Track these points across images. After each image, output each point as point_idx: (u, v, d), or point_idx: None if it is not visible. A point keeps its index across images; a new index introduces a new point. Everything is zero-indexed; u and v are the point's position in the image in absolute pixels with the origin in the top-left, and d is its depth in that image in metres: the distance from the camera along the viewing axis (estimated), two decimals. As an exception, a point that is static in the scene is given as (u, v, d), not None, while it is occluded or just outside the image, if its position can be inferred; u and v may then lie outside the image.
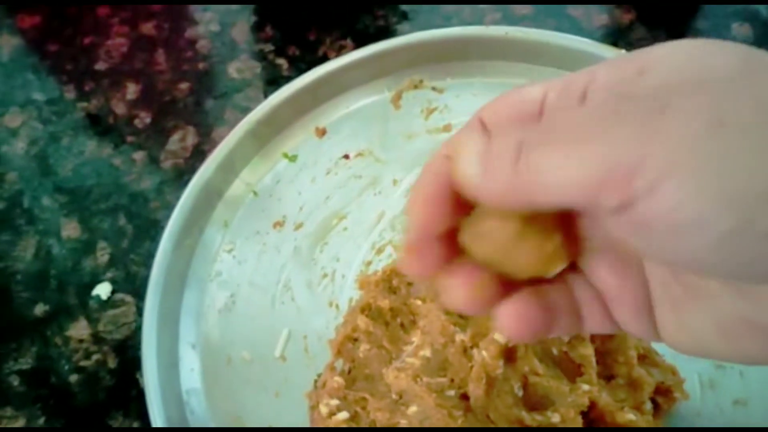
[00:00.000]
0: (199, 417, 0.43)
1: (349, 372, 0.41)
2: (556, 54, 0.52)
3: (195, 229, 0.49)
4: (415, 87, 0.55)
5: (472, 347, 0.38)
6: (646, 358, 0.40)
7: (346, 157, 0.53)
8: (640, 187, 0.18)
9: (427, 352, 0.39)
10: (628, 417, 0.36)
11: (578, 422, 0.35)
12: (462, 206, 0.23)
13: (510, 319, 0.23)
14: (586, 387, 0.36)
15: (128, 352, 0.47)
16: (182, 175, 0.54)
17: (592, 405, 0.36)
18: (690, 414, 0.41)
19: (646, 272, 0.23)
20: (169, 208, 0.49)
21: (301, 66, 0.59)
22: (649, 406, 0.38)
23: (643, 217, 0.18)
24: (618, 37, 0.58)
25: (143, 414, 0.43)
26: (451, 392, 0.37)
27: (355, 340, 0.42)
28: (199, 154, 0.55)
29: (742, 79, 0.18)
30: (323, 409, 0.40)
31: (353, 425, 0.39)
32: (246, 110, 0.53)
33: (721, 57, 0.19)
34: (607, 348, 0.39)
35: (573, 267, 0.24)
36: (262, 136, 0.53)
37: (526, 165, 0.19)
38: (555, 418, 0.36)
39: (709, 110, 0.17)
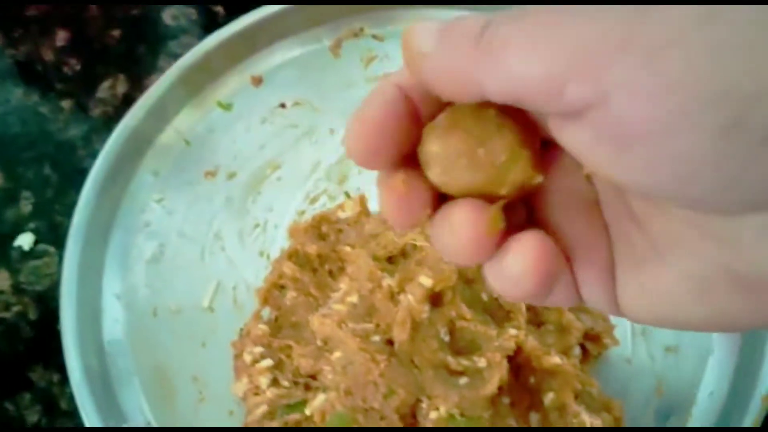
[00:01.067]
0: (121, 368, 0.42)
1: (276, 320, 0.40)
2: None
3: (121, 177, 0.47)
4: (355, 35, 0.53)
5: (399, 293, 0.37)
6: (577, 304, 0.39)
7: (283, 106, 0.51)
8: (618, 74, 0.15)
9: (353, 299, 0.38)
10: (554, 360, 0.35)
11: (504, 366, 0.35)
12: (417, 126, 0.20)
13: (528, 256, 0.19)
14: (513, 331, 0.36)
15: (50, 303, 0.45)
16: (112, 124, 0.52)
17: (519, 349, 0.36)
18: (620, 361, 0.41)
19: (609, 229, 0.21)
20: (97, 157, 0.47)
21: (239, 14, 0.57)
22: (577, 351, 0.38)
23: (617, 114, 0.16)
24: None
25: (64, 366, 0.41)
26: (377, 338, 0.36)
27: (282, 287, 0.41)
28: (129, 103, 0.53)
29: None
30: (247, 357, 0.39)
31: (277, 372, 0.38)
32: (180, 58, 0.51)
33: None
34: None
35: (539, 222, 0.21)
36: (195, 83, 0.51)
37: (489, 40, 0.17)
38: (481, 363, 0.36)
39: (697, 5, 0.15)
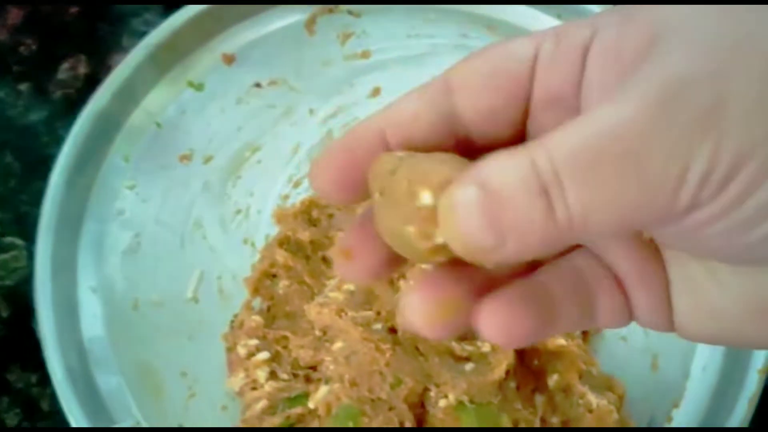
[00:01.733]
0: (104, 366, 0.40)
1: (268, 310, 0.39)
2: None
3: (90, 163, 0.45)
4: (330, 11, 0.51)
5: (398, 278, 0.36)
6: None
7: (258, 85, 0.49)
8: (709, 188, 0.16)
9: (351, 286, 0.36)
10: (559, 342, 0.35)
11: (510, 350, 0.34)
12: None
13: (494, 326, 0.18)
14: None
15: (21, 299, 0.43)
16: (75, 107, 0.49)
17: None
18: (615, 339, 0.41)
19: (661, 251, 0.20)
20: (62, 143, 0.44)
21: (205, -11, 0.54)
22: (577, 331, 0.37)
23: (703, 218, 0.16)
24: None
25: (42, 365, 0.39)
26: (378, 326, 0.35)
27: (274, 276, 0.39)
28: (93, 84, 0.50)
29: None
30: (241, 350, 0.37)
31: (275, 365, 0.36)
32: (145, 36, 0.48)
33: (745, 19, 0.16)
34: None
35: (579, 244, 0.21)
36: (164, 62, 0.48)
37: (569, 218, 0.16)
38: (486, 348, 0.35)
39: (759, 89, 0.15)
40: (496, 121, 0.20)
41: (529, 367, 0.36)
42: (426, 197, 0.17)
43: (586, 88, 0.19)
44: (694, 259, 0.19)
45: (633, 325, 0.41)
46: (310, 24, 0.51)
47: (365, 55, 0.50)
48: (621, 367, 0.40)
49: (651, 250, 0.20)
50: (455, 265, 0.18)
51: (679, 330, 0.20)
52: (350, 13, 0.51)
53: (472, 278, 0.19)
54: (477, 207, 0.16)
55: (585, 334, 0.39)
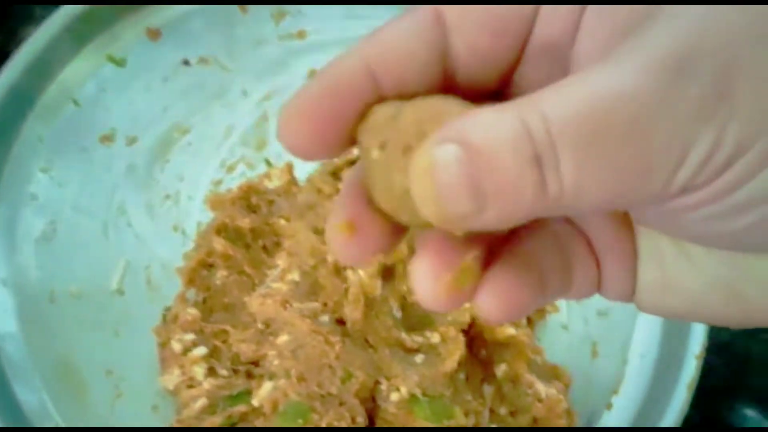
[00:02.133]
0: (18, 364, 0.36)
1: (204, 302, 0.36)
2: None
3: (0, 144, 0.41)
4: (263, -12, 0.49)
5: (345, 268, 0.34)
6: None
7: (187, 63, 0.46)
8: (707, 172, 0.15)
9: (295, 276, 0.35)
10: (508, 332, 0.34)
11: (460, 340, 0.34)
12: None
13: (495, 303, 0.17)
14: (466, 304, 0.34)
15: None
16: (-20, 81, 0.44)
17: (472, 322, 0.35)
18: (557, 326, 0.41)
19: (636, 227, 0.20)
20: (-35, 119, 0.40)
21: (125, -43, 0.50)
22: (523, 320, 0.37)
23: (691, 202, 0.15)
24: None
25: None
26: (325, 317, 0.33)
27: (210, 266, 0.37)
28: (2, 58, 0.45)
29: None
30: (176, 346, 0.35)
31: (213, 361, 0.34)
32: (61, 6, 0.44)
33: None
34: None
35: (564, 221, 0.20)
36: (82, 34, 0.44)
37: (558, 184, 0.14)
38: (435, 338, 0.34)
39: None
40: (489, 64, 0.18)
41: (477, 357, 0.36)
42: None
43: (580, 41, 0.18)
44: (665, 236, 0.19)
45: (574, 312, 0.42)
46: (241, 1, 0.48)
47: (301, 35, 0.48)
48: (562, 356, 0.40)
49: (624, 218, 0.19)
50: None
51: (639, 302, 0.20)
52: (285, -9, 0.49)
53: (474, 240, 0.17)
54: (457, 166, 0.14)
55: (529, 323, 0.38)
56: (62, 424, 0.35)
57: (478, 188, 0.14)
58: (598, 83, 0.15)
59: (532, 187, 0.14)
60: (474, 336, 0.35)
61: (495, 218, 0.15)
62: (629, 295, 0.20)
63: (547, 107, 0.14)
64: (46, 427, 0.35)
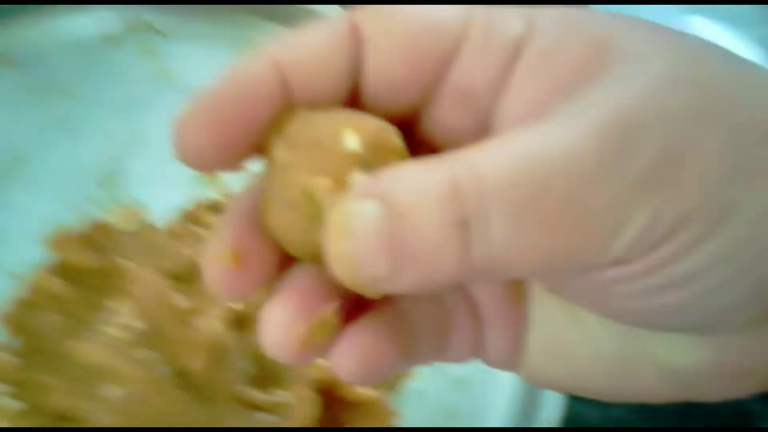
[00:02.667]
0: None
1: (24, 349, 0.32)
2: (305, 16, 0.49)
3: None
4: (135, 28, 0.47)
5: (191, 312, 0.32)
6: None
7: (32, 89, 0.43)
8: (643, 245, 0.14)
9: (135, 322, 0.31)
10: (366, 392, 0.33)
11: (316, 401, 0.31)
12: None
13: (353, 362, 0.16)
14: (322, 361, 0.33)
15: None
16: None
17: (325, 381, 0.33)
18: (414, 393, 0.39)
19: (526, 293, 0.19)
20: None
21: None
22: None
23: (621, 274, 0.15)
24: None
25: None
26: (164, 368, 0.30)
27: (35, 307, 0.33)
28: None
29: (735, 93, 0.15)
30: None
31: (33, 419, 0.30)
32: None
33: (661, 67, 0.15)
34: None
35: None
36: None
37: (485, 249, 0.13)
38: (285, 397, 0.32)
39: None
40: (397, 93, 0.17)
41: (330, 417, 0.33)
42: (353, 141, 0.14)
43: (509, 96, 0.16)
44: (559, 304, 0.18)
45: (430, 377, 0.40)
46: (114, 40, 0.46)
47: (168, 74, 0.46)
48: (419, 423, 0.38)
49: (515, 282, 0.18)
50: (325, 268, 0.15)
51: (526, 372, 0.19)
52: (157, 32, 0.47)
53: (340, 288, 0.16)
54: (376, 225, 0.13)
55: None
56: None
57: (397, 250, 0.13)
58: (537, 143, 0.14)
59: (456, 252, 0.13)
60: (329, 393, 0.33)
61: (413, 283, 0.14)
62: (512, 362, 0.19)
63: (481, 166, 0.14)
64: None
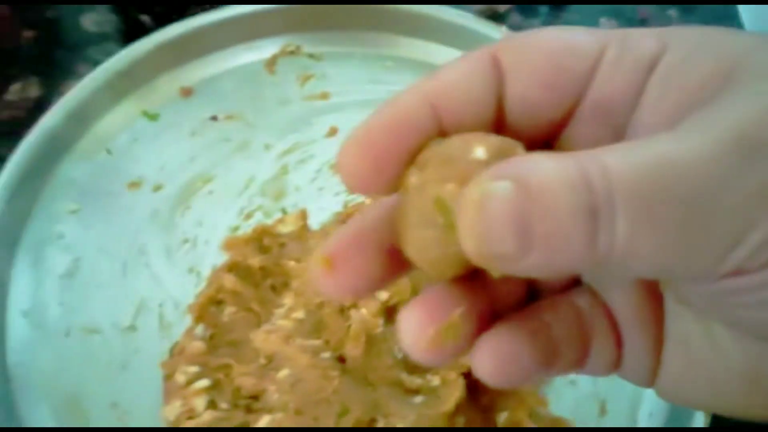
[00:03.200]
0: (29, 394, 0.37)
1: (212, 338, 0.37)
2: (439, 28, 0.51)
3: (33, 185, 0.43)
4: (291, 53, 0.52)
5: (349, 308, 0.35)
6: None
7: (214, 118, 0.49)
8: (761, 257, 0.14)
9: (300, 314, 0.35)
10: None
11: (460, 384, 0.33)
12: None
13: (492, 365, 0.17)
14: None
15: (-58, 321, 0.40)
16: (21, 129, 0.47)
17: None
18: (563, 381, 0.40)
19: (665, 306, 0.18)
20: (6, 160, 0.43)
21: (166, 25, 0.54)
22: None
23: (741, 285, 0.15)
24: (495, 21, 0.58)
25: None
26: (327, 354, 0.34)
27: (219, 302, 0.38)
28: (42, 108, 0.48)
29: None
30: (180, 378, 0.35)
31: (214, 393, 0.34)
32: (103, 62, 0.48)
33: None
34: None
35: (579, 280, 0.19)
36: (119, 90, 0.47)
37: (610, 246, 0.14)
38: (435, 381, 0.34)
39: None
40: (538, 115, 0.18)
41: (478, 403, 0.35)
42: (480, 151, 0.15)
43: (643, 109, 0.17)
44: (694, 318, 0.18)
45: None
46: (270, 64, 0.52)
47: (324, 96, 0.51)
48: (569, 411, 0.39)
49: (653, 296, 0.18)
50: (461, 283, 0.17)
51: (661, 389, 0.19)
52: (311, 56, 0.52)
53: (476, 301, 0.17)
54: (509, 203, 0.14)
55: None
56: (64, 454, 0.36)
57: (526, 229, 0.14)
58: (666, 148, 0.14)
59: (583, 238, 0.14)
60: (476, 381, 0.35)
61: (537, 264, 0.14)
62: (649, 378, 0.19)
63: (611, 162, 0.14)
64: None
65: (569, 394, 0.40)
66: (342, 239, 0.18)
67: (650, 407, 0.39)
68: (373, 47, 0.53)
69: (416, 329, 0.16)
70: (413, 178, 0.16)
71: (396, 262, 0.17)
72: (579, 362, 0.19)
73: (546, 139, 0.18)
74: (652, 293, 0.19)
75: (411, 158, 0.17)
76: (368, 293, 0.18)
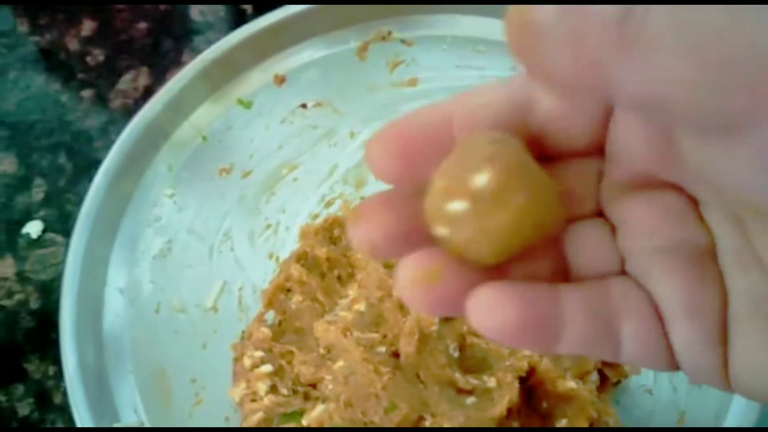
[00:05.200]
0: (118, 365, 0.41)
1: (279, 324, 0.39)
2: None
3: (135, 169, 0.46)
4: (383, 39, 0.52)
5: (409, 303, 0.35)
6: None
7: (304, 106, 0.50)
8: None
9: (361, 306, 0.36)
10: (569, 385, 0.33)
11: (515, 387, 0.33)
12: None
13: (481, 310, 0.16)
14: (526, 351, 0.34)
15: (53, 294, 0.44)
16: (130, 116, 0.51)
17: (532, 371, 0.34)
18: (640, 391, 0.38)
19: (726, 281, 0.17)
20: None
21: (267, 12, 0.56)
22: (595, 377, 0.35)
23: None
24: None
25: (60, 359, 0.40)
26: (382, 349, 0.34)
27: (288, 290, 0.39)
28: (150, 96, 0.52)
29: None
30: (246, 361, 0.37)
31: (276, 379, 0.36)
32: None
33: None
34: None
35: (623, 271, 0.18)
36: (216, 79, 0.50)
37: (637, 32, 0.13)
38: (490, 383, 0.33)
39: None
40: (573, 124, 0.18)
41: (536, 408, 0.34)
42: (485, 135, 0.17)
43: None
44: (761, 275, 0.16)
45: (660, 377, 0.38)
46: (362, 50, 0.52)
47: (412, 82, 0.50)
48: (643, 422, 0.37)
49: (709, 278, 0.17)
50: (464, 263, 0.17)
51: (738, 385, 0.16)
52: (403, 41, 0.52)
53: (476, 272, 0.17)
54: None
55: (604, 383, 0.36)
56: (147, 423, 0.39)
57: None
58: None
59: (615, 43, 0.13)
60: (535, 386, 0.34)
61: (567, 41, 0.14)
62: (721, 372, 0.17)
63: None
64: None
65: (645, 402, 0.38)
66: (378, 197, 0.18)
67: (738, 419, 0.36)
68: (465, 31, 0.51)
69: (404, 271, 0.17)
70: (437, 179, 0.17)
71: (417, 228, 0.18)
72: (603, 343, 0.17)
73: (591, 148, 0.18)
74: (709, 269, 0.17)
75: (426, 160, 0.18)
76: (387, 250, 0.18)
